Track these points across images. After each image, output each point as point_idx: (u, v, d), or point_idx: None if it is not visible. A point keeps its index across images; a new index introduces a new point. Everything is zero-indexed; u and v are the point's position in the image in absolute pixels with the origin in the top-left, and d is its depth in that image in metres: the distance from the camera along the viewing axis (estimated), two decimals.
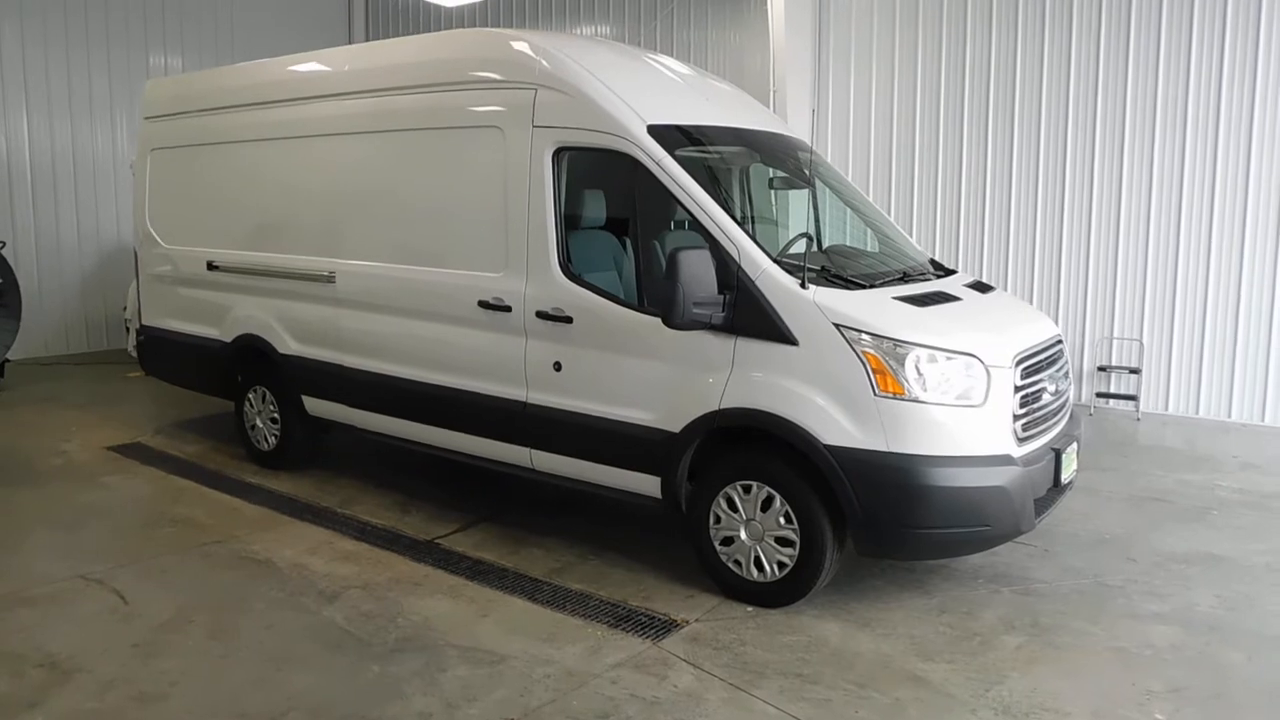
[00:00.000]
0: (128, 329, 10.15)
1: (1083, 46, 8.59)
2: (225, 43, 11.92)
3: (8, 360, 9.51)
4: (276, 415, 6.70)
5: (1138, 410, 8.52)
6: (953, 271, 5.55)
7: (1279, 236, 7.94)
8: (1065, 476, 4.66)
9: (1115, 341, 8.71)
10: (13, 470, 6.76)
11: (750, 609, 4.53)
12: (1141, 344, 8.58)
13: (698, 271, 4.34)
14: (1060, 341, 5.06)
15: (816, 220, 5.83)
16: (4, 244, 9.52)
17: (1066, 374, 5.02)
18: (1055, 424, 4.76)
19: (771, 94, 9.36)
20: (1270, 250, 8.01)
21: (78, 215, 11.34)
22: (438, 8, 12.55)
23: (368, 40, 13.00)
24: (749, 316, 4.42)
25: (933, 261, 5.69)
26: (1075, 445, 4.83)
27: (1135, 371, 8.59)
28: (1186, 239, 8.32)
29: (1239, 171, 8.04)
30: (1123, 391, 8.68)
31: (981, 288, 5.32)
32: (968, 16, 9.12)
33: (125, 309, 10.24)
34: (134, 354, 9.52)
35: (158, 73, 11.47)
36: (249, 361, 6.82)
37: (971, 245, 9.37)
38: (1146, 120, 8.37)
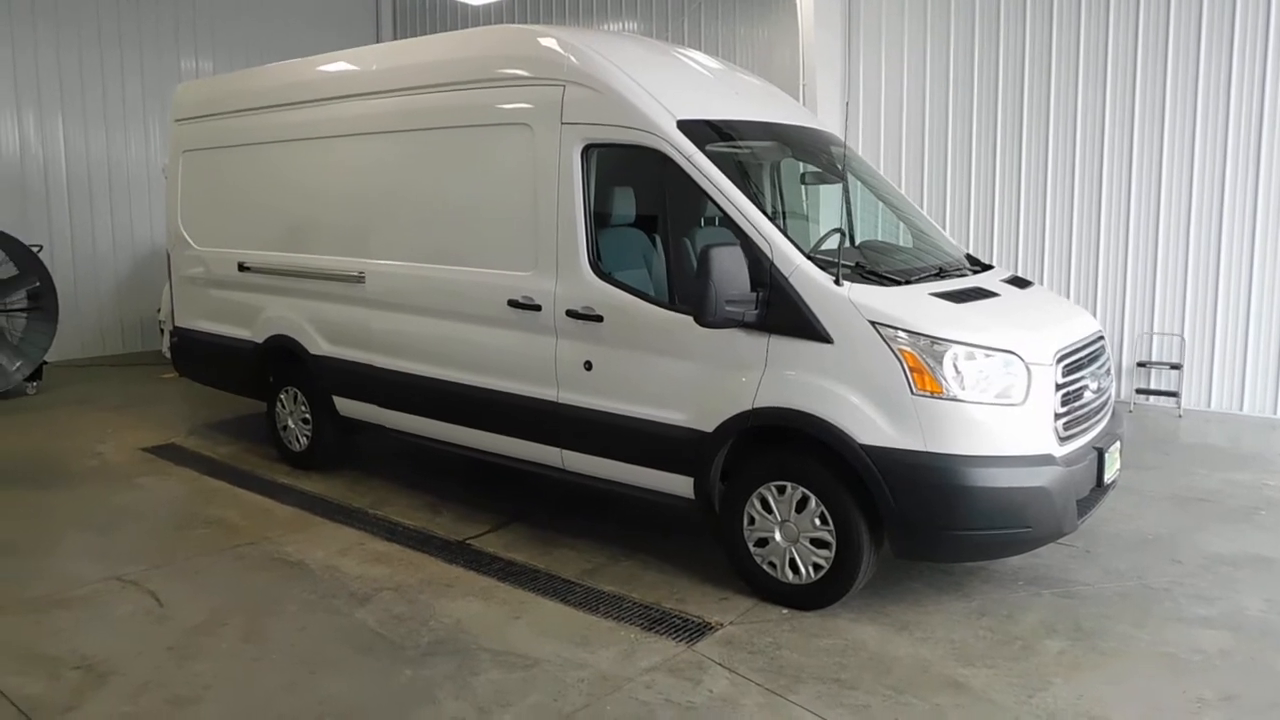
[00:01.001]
0: (162, 330, 10.24)
1: (1120, 36, 8.40)
2: (256, 45, 11.98)
3: (45, 362, 9.62)
4: (308, 416, 6.71)
5: (1179, 407, 8.33)
6: (989, 266, 5.43)
7: None
8: (1108, 476, 4.54)
9: (1155, 336, 8.52)
10: (49, 472, 6.83)
11: (785, 611, 4.46)
12: (1183, 339, 8.39)
13: (729, 268, 4.27)
14: (1102, 337, 4.93)
15: (849, 215, 5.75)
16: (41, 247, 9.64)
17: (1108, 371, 4.90)
18: (1097, 422, 4.64)
19: (801, 88, 9.26)
20: None
21: (113, 218, 11.47)
22: (465, 6, 12.56)
23: (396, 40, 13.04)
24: (782, 314, 4.34)
25: (968, 256, 5.58)
26: (1118, 444, 4.71)
27: (1176, 367, 8.40)
28: (1229, 230, 8.12)
29: None
30: (1164, 388, 8.49)
31: (1020, 283, 5.21)
32: (1001, 6, 8.95)
33: (159, 311, 10.33)
34: (168, 355, 9.63)
35: (189, 76, 11.57)
36: (280, 362, 6.84)
37: (1006, 239, 9.21)
38: (1187, 110, 8.17)
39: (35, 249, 9.48)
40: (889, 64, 9.66)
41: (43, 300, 9.54)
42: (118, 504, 6.15)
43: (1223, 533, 5.44)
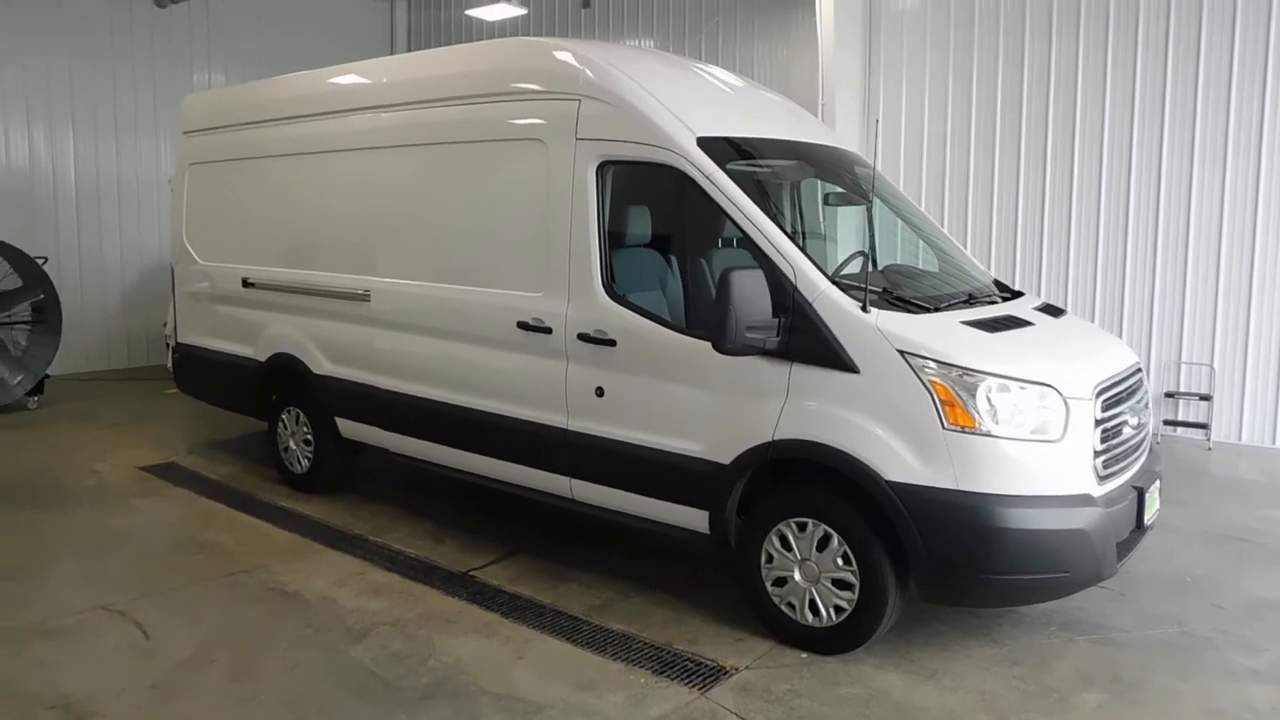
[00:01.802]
0: (167, 345, 10.07)
1: (1149, 59, 8.18)
2: (269, 58, 11.87)
3: (48, 376, 9.47)
4: (310, 437, 6.51)
5: (1209, 439, 8.06)
6: (1020, 293, 5.21)
7: None
8: (1148, 517, 4.30)
9: (1184, 366, 8.26)
10: (45, 491, 6.64)
11: (804, 655, 4.22)
12: (1213, 369, 8.12)
13: (750, 293, 4.05)
14: (1140, 370, 4.70)
15: (872, 238, 5.55)
16: (46, 259, 9.51)
17: (1147, 405, 4.66)
18: (1136, 460, 4.39)
19: (820, 108, 9.06)
20: None
21: (121, 231, 11.36)
22: (480, 22, 12.45)
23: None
24: (805, 341, 4.13)
25: (996, 282, 5.36)
26: (1158, 483, 4.46)
27: (1206, 398, 8.13)
28: (1262, 257, 7.86)
29: None
30: (1192, 419, 8.22)
31: (1053, 311, 4.98)
32: (1026, 27, 8.75)
33: (165, 325, 10.17)
34: (172, 370, 9.46)
35: (202, 88, 11.47)
36: (283, 381, 6.65)
37: (1029, 263, 8.97)
38: (1218, 134, 7.94)
39: (40, 261, 9.34)
40: (910, 83, 9.46)
41: (46, 313, 9.40)
42: (112, 527, 5.95)
43: (1265, 576, 5.18)
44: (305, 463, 6.59)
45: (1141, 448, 4.49)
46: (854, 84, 9.47)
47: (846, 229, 5.69)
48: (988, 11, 8.96)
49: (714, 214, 4.51)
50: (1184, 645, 4.34)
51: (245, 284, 6.81)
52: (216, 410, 7.87)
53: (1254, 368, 7.98)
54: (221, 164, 7.06)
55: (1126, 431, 4.28)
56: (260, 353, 6.74)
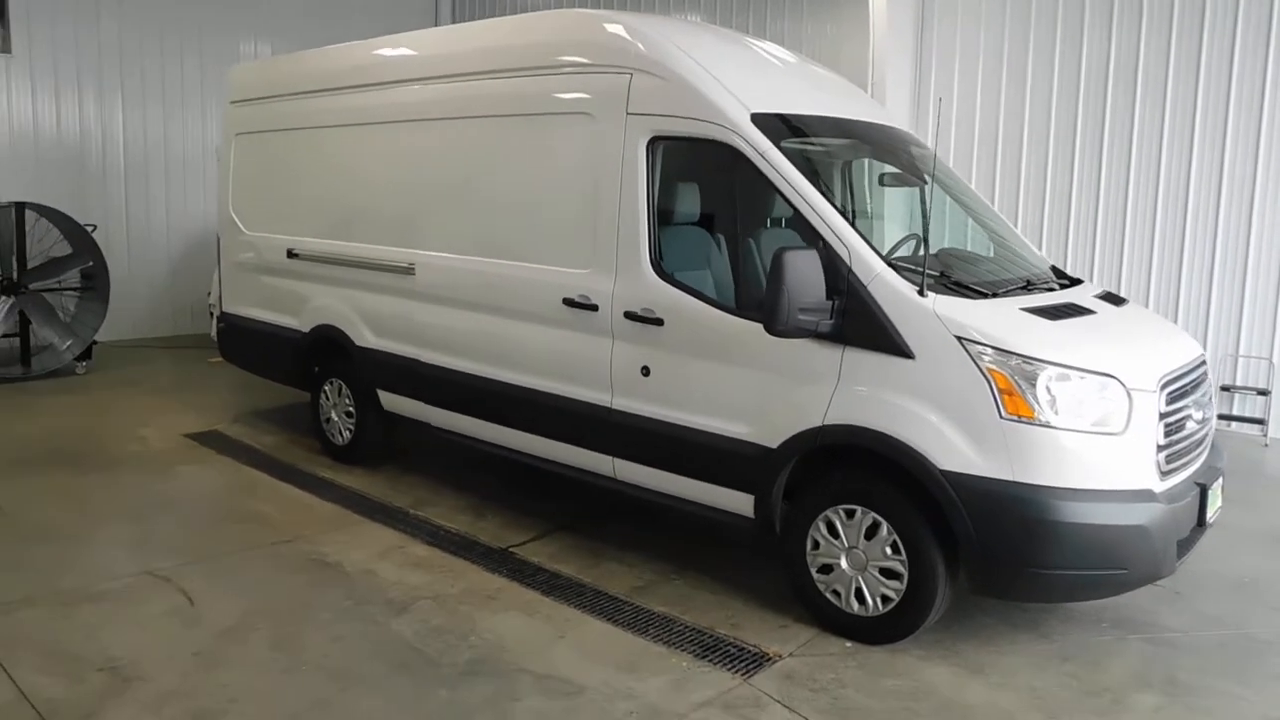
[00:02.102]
0: (211, 314, 10.15)
1: (1214, 44, 7.89)
2: (313, 29, 11.85)
3: (95, 342, 9.59)
4: (351, 409, 6.53)
5: (1266, 435, 7.82)
6: (1079, 281, 5.05)
7: None
8: (1210, 515, 4.16)
9: (1241, 359, 8.01)
10: (91, 456, 6.73)
11: (849, 645, 4.15)
12: (1271, 363, 7.88)
13: (804, 274, 3.96)
14: (1204, 363, 4.53)
15: (925, 220, 5.40)
16: (95, 227, 9.60)
17: (1210, 399, 4.50)
18: (1199, 455, 4.25)
19: (870, 87, 8.87)
20: None
21: (167, 200, 11.46)
22: None
23: (453, 24, 12.87)
24: (859, 325, 4.02)
25: (1054, 269, 5.20)
26: (1220, 480, 4.32)
27: (1264, 393, 7.89)
28: None
29: None
30: (1249, 414, 7.99)
31: (1114, 299, 4.83)
32: (1085, 13, 8.48)
33: (209, 294, 10.25)
34: (216, 339, 9.54)
35: (247, 59, 11.50)
36: (326, 353, 6.66)
37: (1081, 251, 8.73)
38: (1277, 124, 7.65)
39: (90, 229, 9.44)
40: (963, 69, 9.22)
41: (95, 280, 9.51)
42: (157, 492, 6.01)
43: None
44: (347, 434, 6.60)
45: (1204, 443, 4.35)
46: (904, 64, 9.26)
47: (900, 210, 5.55)
48: None
49: (767, 192, 4.41)
50: (1243, 648, 4.21)
51: (290, 255, 6.82)
52: (260, 380, 7.92)
53: None
54: (268, 134, 7.06)
55: (1190, 426, 4.13)
56: (304, 324, 6.76)
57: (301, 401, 7.38)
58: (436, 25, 13.11)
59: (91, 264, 9.47)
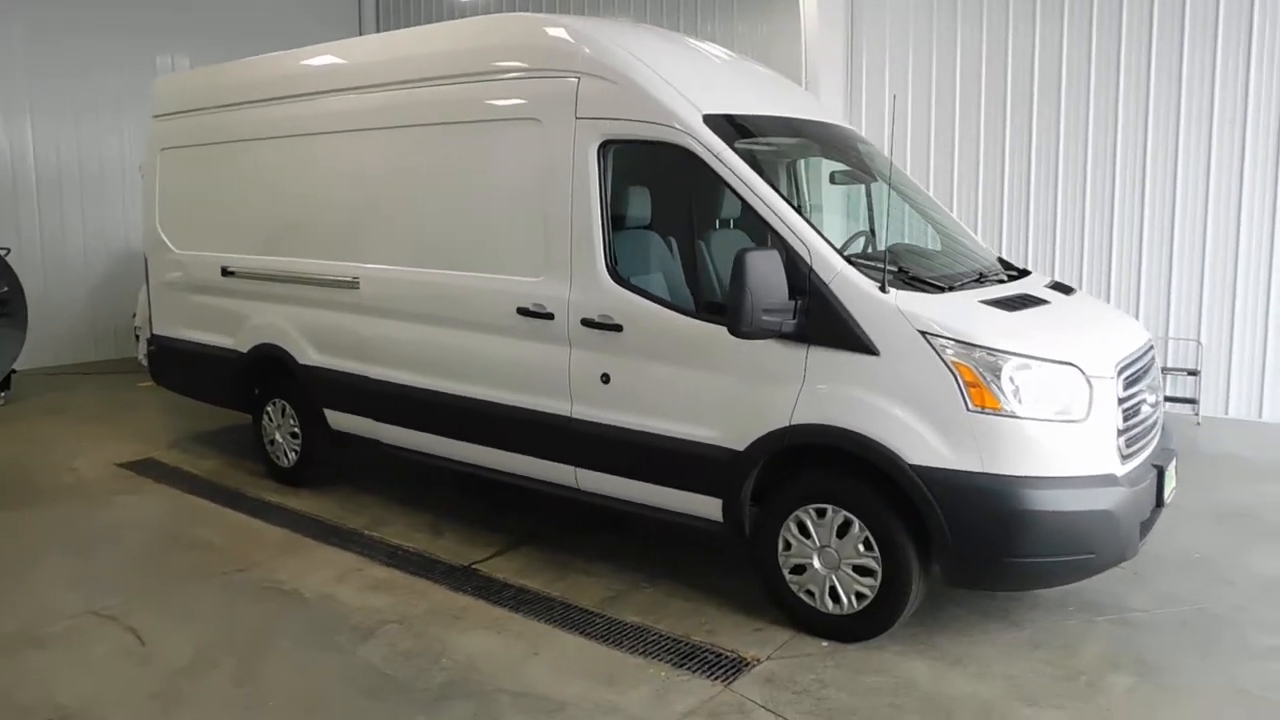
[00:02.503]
0: (137, 337, 9.78)
1: (1133, 35, 8.15)
2: (234, 37, 11.48)
3: (14, 371, 9.14)
4: (297, 429, 6.32)
5: (1197, 414, 8.10)
6: (1027, 272, 5.14)
7: None
8: (1167, 495, 4.26)
9: (1171, 342, 8.28)
10: (20, 489, 6.39)
11: (826, 644, 4.14)
12: (1199, 344, 8.16)
13: (767, 275, 3.94)
14: (1153, 347, 4.65)
15: (871, 216, 5.46)
16: (8, 250, 9.15)
17: (1160, 382, 4.62)
18: (1153, 438, 4.36)
19: (803, 85, 8.95)
20: None
21: (84, 219, 10.99)
22: None
23: (379, 32, 12.61)
24: (823, 323, 4.02)
25: (1001, 260, 5.29)
26: (1174, 460, 4.42)
27: (1194, 373, 8.17)
28: (1247, 231, 7.88)
29: None
30: (1180, 394, 8.26)
31: (1064, 289, 4.92)
32: (1010, 6, 8.68)
33: (135, 316, 9.87)
34: (144, 363, 9.17)
35: (165, 69, 11.10)
36: (267, 373, 6.44)
37: (1015, 238, 8.93)
38: (1204, 107, 7.93)
39: (2, 253, 8.99)
40: (893, 62, 9.37)
41: (10, 306, 9.05)
42: (95, 526, 5.73)
43: (1270, 551, 5.18)
44: (293, 456, 6.39)
45: (1157, 426, 4.46)
46: (837, 62, 9.36)
47: (849, 208, 5.59)
48: None
49: (723, 194, 4.40)
50: (1202, 624, 4.32)
51: (225, 273, 6.58)
52: (193, 403, 7.63)
53: (1240, 342, 8.02)
54: (196, 149, 6.79)
55: (1145, 410, 4.23)
56: (242, 344, 6.52)
57: (240, 423, 7.14)
58: (361, 34, 12.84)
59: (6, 289, 9.01)
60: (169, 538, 5.57)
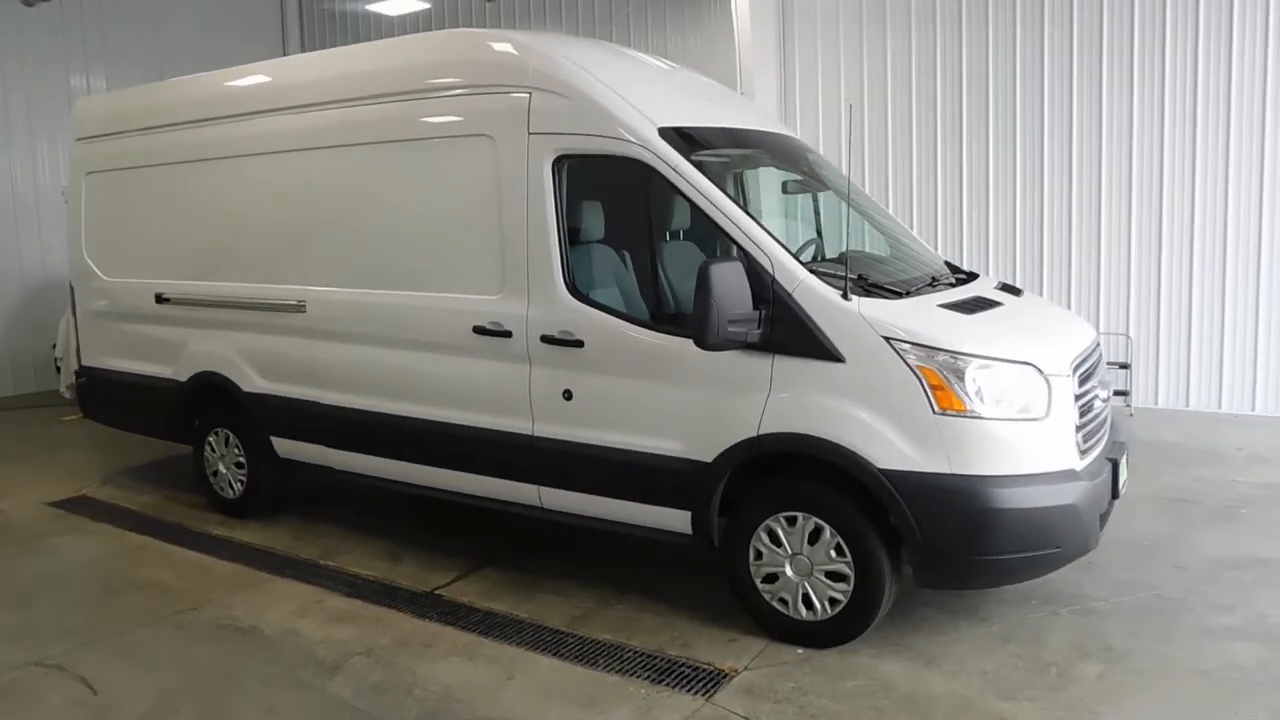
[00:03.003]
0: (59, 369, 9.40)
1: (1056, 38, 8.44)
2: (152, 57, 11.16)
3: None
4: (242, 459, 6.11)
5: (1130, 406, 8.38)
6: (975, 274, 5.26)
7: (1260, 225, 7.88)
8: (1122, 486, 4.39)
9: (1103, 336, 8.51)
10: None
11: (801, 651, 4.15)
12: (1129, 338, 8.46)
13: (731, 286, 3.95)
14: (1099, 344, 4.80)
15: (818, 224, 5.53)
16: None
17: (1108, 378, 4.77)
18: (1105, 432, 4.49)
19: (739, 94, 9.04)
20: (1253, 239, 7.93)
21: None
22: (379, 17, 11.99)
23: (303, 51, 12.35)
24: (787, 332, 4.04)
25: (948, 264, 5.40)
26: (1126, 452, 4.56)
27: (1125, 366, 8.45)
28: (1169, 230, 8.19)
29: (1219, 159, 7.95)
30: (1113, 387, 8.53)
31: (1013, 290, 5.05)
32: (937, 14, 8.91)
33: (55, 347, 9.47)
34: (68, 395, 8.80)
35: (80, 91, 10.68)
36: (209, 402, 6.22)
37: (950, 241, 9.14)
38: (1123, 111, 8.23)
39: None
40: (825, 72, 9.52)
41: None
42: (30, 571, 5.45)
43: (1215, 535, 5.39)
44: (238, 486, 6.18)
45: (1108, 420, 4.59)
46: (770, 74, 9.48)
47: (798, 215, 5.64)
48: (898, 1, 9.08)
49: (682, 206, 4.40)
50: (1160, 609, 4.46)
51: (160, 299, 6.34)
52: (123, 435, 7.34)
53: (1166, 334, 8.33)
54: (125, 172, 6.54)
55: (1097, 405, 4.36)
56: (181, 372, 6.29)
57: (178, 455, 6.90)
58: (285, 53, 12.57)
59: None
60: (113, 579, 5.33)
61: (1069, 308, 8.56)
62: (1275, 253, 7.85)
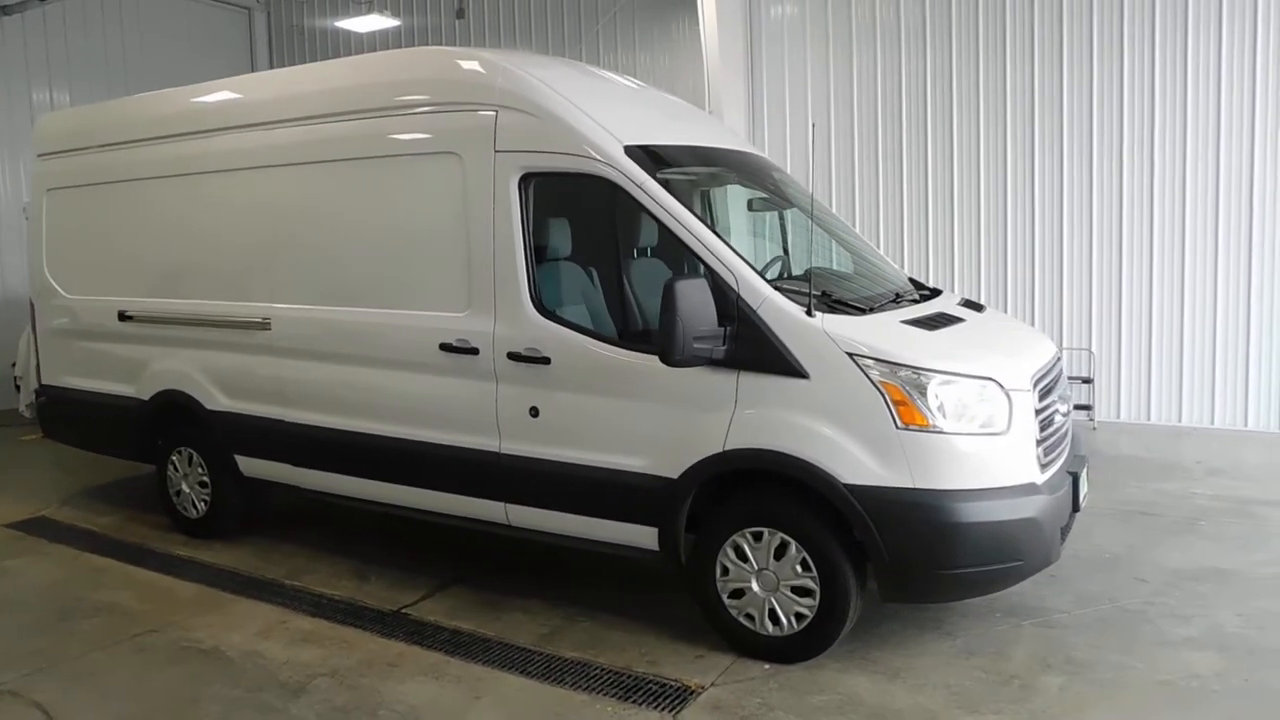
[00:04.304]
0: (18, 387, 9.24)
1: (1017, 57, 8.61)
2: (117, 73, 11.08)
3: None
4: (206, 479, 6.04)
5: (1093, 420, 8.51)
6: (939, 291, 5.32)
7: (1218, 240, 8.06)
8: (1082, 500, 4.45)
9: (1065, 351, 8.69)
10: None
11: (768, 666, 4.16)
12: (1091, 353, 8.60)
13: (697, 303, 3.97)
14: (1060, 359, 4.88)
15: (785, 241, 5.58)
16: None
17: (1069, 392, 4.84)
18: (1066, 446, 4.55)
19: (706, 113, 9.11)
20: (1210, 254, 8.12)
21: None
22: (347, 34, 11.97)
23: (272, 67, 12.30)
24: (752, 349, 4.07)
25: (912, 280, 5.47)
26: (1087, 466, 4.63)
27: (1088, 381, 8.59)
28: (1129, 245, 8.38)
29: (1176, 179, 8.14)
30: (1076, 401, 8.65)
31: (975, 306, 5.12)
32: (901, 31, 9.06)
33: (14, 365, 9.31)
34: (27, 414, 8.67)
35: (42, 107, 10.57)
36: (171, 420, 6.14)
37: (916, 259, 9.27)
38: (1083, 130, 8.42)
39: None
40: (793, 90, 9.64)
41: None
42: None
43: (1174, 546, 5.47)
44: (202, 506, 6.11)
45: (1069, 434, 4.66)
46: (738, 92, 9.58)
47: (764, 232, 5.69)
48: (864, 21, 9.23)
49: (648, 224, 4.42)
50: (1121, 621, 4.52)
51: (122, 317, 6.27)
52: (84, 455, 7.24)
53: (1127, 349, 8.50)
54: (88, 188, 6.47)
55: (1058, 419, 4.42)
56: (143, 391, 6.21)
57: (138, 475, 6.81)
58: (254, 69, 12.51)
59: None
60: (72, 602, 5.23)
61: (1032, 323, 8.70)
62: (1233, 270, 8.05)
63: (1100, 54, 8.28)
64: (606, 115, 4.61)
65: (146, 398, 6.20)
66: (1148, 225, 8.28)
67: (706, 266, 4.19)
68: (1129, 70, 8.19)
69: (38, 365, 7.06)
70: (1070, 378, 8.56)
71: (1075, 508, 4.36)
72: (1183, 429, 8.24)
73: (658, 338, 4.01)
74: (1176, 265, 8.23)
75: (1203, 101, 7.97)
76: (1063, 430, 4.48)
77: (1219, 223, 8.04)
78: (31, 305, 7.04)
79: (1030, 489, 4.01)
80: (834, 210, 9.36)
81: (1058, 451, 4.36)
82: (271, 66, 12.54)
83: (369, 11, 10.93)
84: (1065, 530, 4.28)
